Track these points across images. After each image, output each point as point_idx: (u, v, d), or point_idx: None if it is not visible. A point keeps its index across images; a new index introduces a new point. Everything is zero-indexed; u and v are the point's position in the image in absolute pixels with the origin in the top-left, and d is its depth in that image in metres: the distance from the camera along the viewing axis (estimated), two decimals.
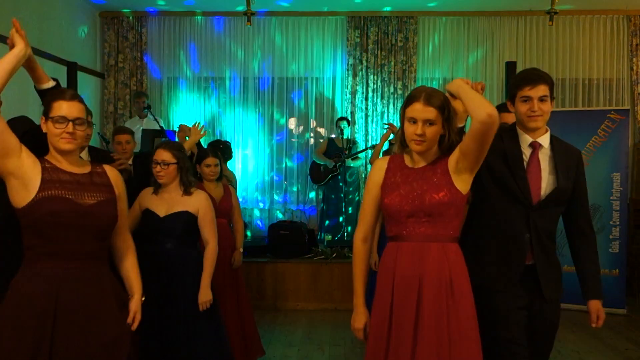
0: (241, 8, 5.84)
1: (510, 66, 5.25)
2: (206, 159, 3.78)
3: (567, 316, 5.06)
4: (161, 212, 2.97)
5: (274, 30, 6.89)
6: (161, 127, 5.95)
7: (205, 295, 2.92)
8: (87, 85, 6.42)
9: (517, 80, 2.28)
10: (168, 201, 2.99)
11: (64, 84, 5.52)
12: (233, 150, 6.94)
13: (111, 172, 2.15)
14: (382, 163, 2.15)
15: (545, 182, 2.27)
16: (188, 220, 2.96)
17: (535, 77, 2.23)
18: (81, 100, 2.06)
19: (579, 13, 6.66)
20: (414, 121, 1.99)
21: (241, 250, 3.92)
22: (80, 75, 5.82)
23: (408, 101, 2.02)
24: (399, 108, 6.73)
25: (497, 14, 6.75)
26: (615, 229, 5.18)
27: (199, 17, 6.88)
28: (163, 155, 2.95)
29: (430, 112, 1.96)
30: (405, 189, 2.04)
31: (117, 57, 6.84)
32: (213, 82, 6.99)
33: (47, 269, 1.93)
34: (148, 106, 6.17)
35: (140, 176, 3.38)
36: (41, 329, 1.89)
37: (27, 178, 1.93)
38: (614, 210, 5.19)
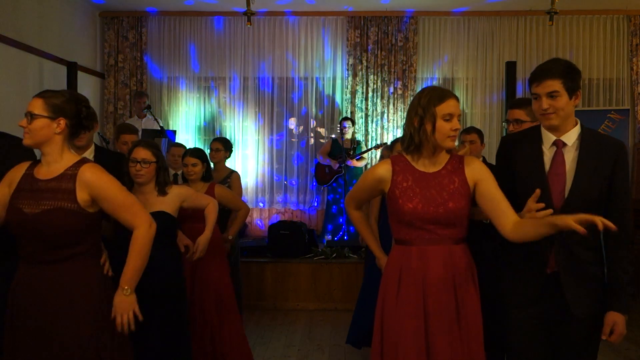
0: (241, 8, 5.84)
1: (510, 66, 5.26)
2: (184, 158, 3.70)
3: None
4: None
5: (274, 30, 6.89)
6: (161, 127, 5.96)
7: (205, 237, 3.03)
8: (87, 85, 6.42)
9: (530, 76, 2.13)
10: (143, 202, 2.80)
11: (63, 84, 5.54)
12: (233, 150, 6.96)
13: (85, 173, 2.00)
14: (386, 164, 2.13)
15: (570, 184, 2.08)
16: (165, 221, 2.82)
17: (541, 72, 2.07)
18: (43, 96, 2.02)
19: (579, 13, 6.66)
20: (447, 118, 2.00)
21: (229, 237, 3.74)
22: (80, 75, 5.83)
23: (439, 99, 2.00)
24: (399, 108, 6.79)
25: (497, 14, 6.75)
26: None
27: (199, 17, 6.88)
28: (143, 153, 2.83)
29: (459, 108, 2.08)
30: (424, 195, 2.04)
31: (117, 57, 6.84)
32: (213, 82, 7.00)
33: (19, 271, 2.03)
34: (148, 106, 6.18)
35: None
36: (8, 327, 2.01)
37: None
38: None
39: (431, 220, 2.03)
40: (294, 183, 7.00)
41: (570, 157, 2.10)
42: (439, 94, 2.02)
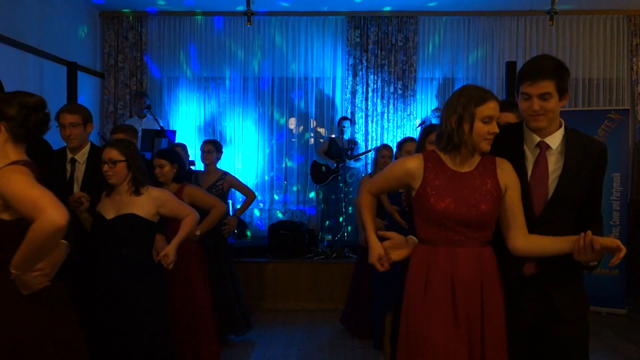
0: (241, 8, 5.84)
1: (510, 66, 5.25)
2: (154, 160, 3.62)
3: None
4: (110, 214, 2.79)
5: (274, 30, 6.89)
6: (161, 127, 5.96)
7: (170, 252, 2.75)
8: (87, 85, 6.42)
9: (520, 72, 2.03)
10: (118, 203, 2.79)
11: (64, 84, 5.54)
12: (233, 150, 6.97)
13: None
14: (418, 159, 2.07)
15: (552, 189, 2.03)
16: (135, 224, 2.74)
17: (536, 71, 1.96)
18: None
19: (579, 13, 6.66)
20: (487, 120, 1.96)
21: (197, 233, 3.51)
22: (80, 75, 5.82)
23: (479, 101, 1.96)
24: (399, 108, 6.79)
25: (497, 14, 6.75)
26: (615, 229, 5.17)
27: (199, 17, 6.88)
28: (110, 153, 2.75)
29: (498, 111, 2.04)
30: (456, 195, 1.99)
31: (117, 57, 6.84)
32: (213, 82, 6.99)
33: None
34: (148, 106, 6.18)
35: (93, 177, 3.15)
36: None
37: None
38: (614, 210, 5.19)
39: (462, 221, 1.98)
40: (294, 183, 7.01)
41: (553, 160, 2.04)
42: (481, 94, 1.98)
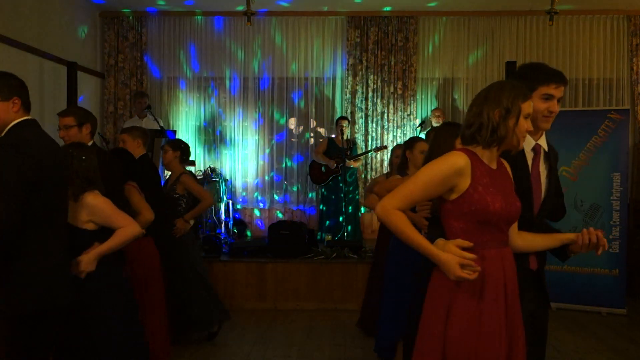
0: (241, 8, 5.84)
1: (510, 66, 5.26)
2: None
3: (567, 316, 5.08)
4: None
5: (274, 30, 6.90)
6: (161, 127, 5.96)
7: (84, 260, 2.52)
8: (87, 85, 6.42)
9: (541, 74, 2.05)
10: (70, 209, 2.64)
11: (64, 83, 5.54)
12: (233, 150, 6.98)
13: None
14: (463, 156, 1.88)
15: (544, 188, 2.11)
16: (71, 232, 2.52)
17: (562, 77, 2.08)
18: None
19: (579, 13, 6.66)
20: (527, 116, 1.90)
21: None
22: (80, 75, 5.82)
23: (524, 97, 1.90)
24: (399, 108, 6.79)
25: (497, 14, 6.75)
26: (615, 229, 5.18)
27: (199, 17, 6.88)
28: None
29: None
30: (501, 193, 1.89)
31: (117, 57, 6.84)
32: (213, 82, 7.00)
33: None
34: (148, 106, 6.18)
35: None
36: None
37: None
38: (614, 210, 5.19)
39: (510, 220, 1.92)
40: (294, 183, 7.01)
41: (543, 162, 2.13)
42: (523, 92, 1.91)
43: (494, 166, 1.95)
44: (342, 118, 6.45)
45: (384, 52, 6.79)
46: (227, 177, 6.93)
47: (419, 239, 1.85)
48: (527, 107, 1.90)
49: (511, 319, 1.90)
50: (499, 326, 1.84)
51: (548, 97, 2.04)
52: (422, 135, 6.56)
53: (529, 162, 2.10)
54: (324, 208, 6.55)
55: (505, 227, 1.92)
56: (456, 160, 1.86)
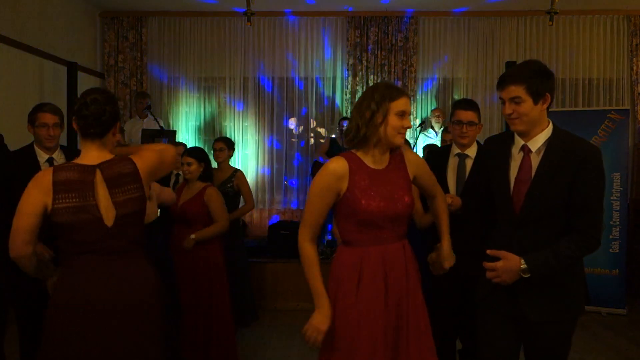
0: (241, 8, 5.84)
1: (510, 66, 5.26)
2: (182, 156, 3.83)
3: None
4: None
5: (274, 30, 6.89)
6: (161, 127, 5.96)
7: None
8: (87, 85, 6.37)
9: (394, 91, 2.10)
10: None
11: (64, 84, 5.54)
12: (234, 150, 6.97)
13: None
14: (343, 164, 2.01)
15: (531, 192, 2.05)
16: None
17: (504, 77, 2.08)
18: None
19: (579, 13, 6.66)
20: (402, 114, 2.01)
21: (192, 236, 3.55)
22: (80, 75, 5.82)
23: (392, 96, 2.00)
24: None
25: (497, 14, 6.75)
26: (615, 229, 5.18)
27: (199, 17, 6.87)
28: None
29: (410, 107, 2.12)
30: (381, 193, 2.01)
31: (117, 57, 6.84)
32: (213, 82, 7.00)
33: None
34: (148, 106, 6.18)
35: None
36: None
37: None
38: (614, 210, 5.19)
39: (392, 217, 2.02)
40: (294, 183, 7.01)
41: (535, 163, 2.07)
42: (394, 91, 2.02)
43: (380, 166, 2.06)
44: (345, 118, 6.44)
45: (384, 52, 6.79)
46: None
47: (313, 282, 2.26)
48: (397, 105, 1.98)
49: (397, 310, 2.04)
50: (375, 317, 2.01)
51: (502, 102, 2.10)
52: (422, 135, 6.57)
53: (516, 163, 2.11)
54: None
55: (388, 225, 2.02)
56: (334, 167, 2.00)
